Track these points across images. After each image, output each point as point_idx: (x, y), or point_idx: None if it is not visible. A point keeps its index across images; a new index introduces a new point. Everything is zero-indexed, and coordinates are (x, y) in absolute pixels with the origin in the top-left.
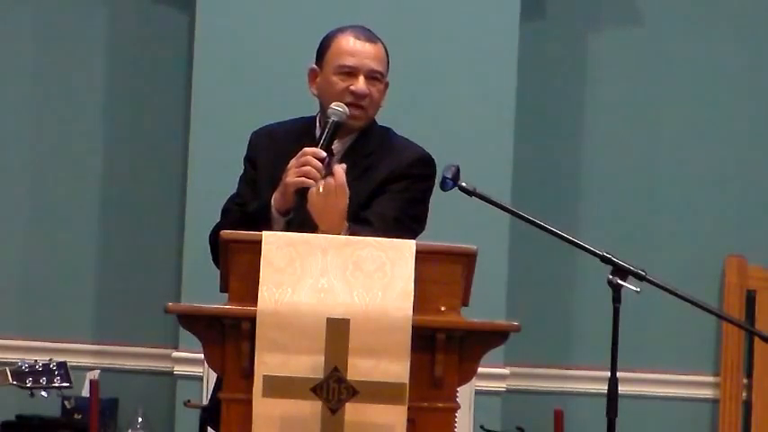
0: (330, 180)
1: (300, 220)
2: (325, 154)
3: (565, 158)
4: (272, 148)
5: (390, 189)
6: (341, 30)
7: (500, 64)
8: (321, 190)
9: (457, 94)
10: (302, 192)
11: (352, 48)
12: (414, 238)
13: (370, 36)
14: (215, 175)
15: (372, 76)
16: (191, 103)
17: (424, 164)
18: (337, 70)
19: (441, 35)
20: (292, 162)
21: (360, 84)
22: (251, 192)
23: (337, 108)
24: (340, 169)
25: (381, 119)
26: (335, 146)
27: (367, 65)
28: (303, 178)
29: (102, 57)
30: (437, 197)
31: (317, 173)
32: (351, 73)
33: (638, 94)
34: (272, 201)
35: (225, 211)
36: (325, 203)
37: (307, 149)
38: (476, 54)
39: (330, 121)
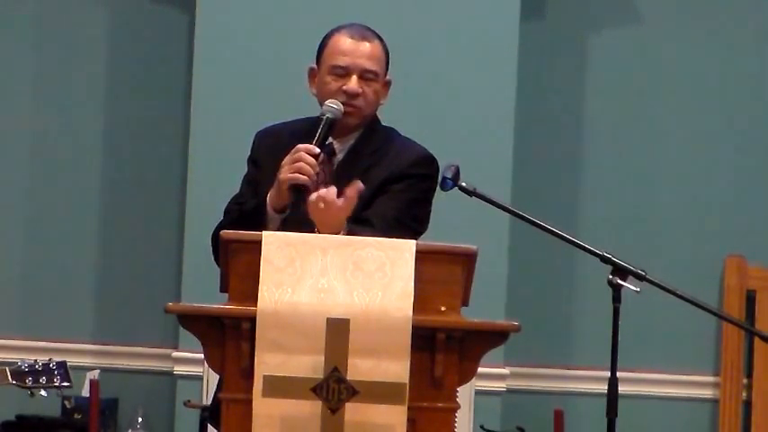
0: (328, 195)
1: (297, 217)
2: (318, 150)
3: (565, 158)
4: (276, 148)
5: (391, 189)
6: (338, 29)
7: (500, 64)
8: (321, 206)
9: (457, 94)
10: (297, 189)
11: (346, 47)
12: (416, 239)
13: (365, 35)
14: (215, 175)
15: (366, 76)
16: (191, 103)
17: (426, 163)
18: (331, 70)
19: (441, 35)
20: (286, 159)
21: (352, 83)
22: (252, 192)
23: (332, 105)
24: (350, 192)
25: (381, 118)
26: (337, 145)
27: (360, 64)
28: (297, 174)
29: (102, 57)
30: (437, 197)
31: (310, 169)
32: (344, 73)
33: (637, 94)
34: (268, 198)
35: (226, 212)
36: (326, 214)
37: (300, 146)
38: (476, 54)
39: (324, 117)
